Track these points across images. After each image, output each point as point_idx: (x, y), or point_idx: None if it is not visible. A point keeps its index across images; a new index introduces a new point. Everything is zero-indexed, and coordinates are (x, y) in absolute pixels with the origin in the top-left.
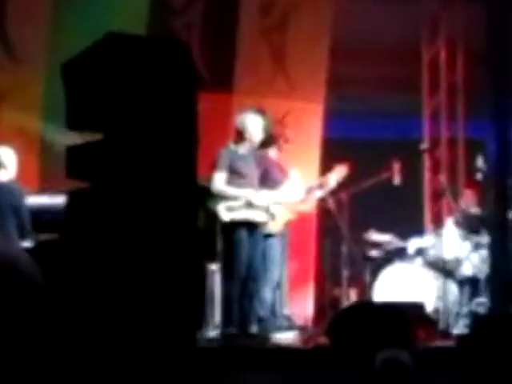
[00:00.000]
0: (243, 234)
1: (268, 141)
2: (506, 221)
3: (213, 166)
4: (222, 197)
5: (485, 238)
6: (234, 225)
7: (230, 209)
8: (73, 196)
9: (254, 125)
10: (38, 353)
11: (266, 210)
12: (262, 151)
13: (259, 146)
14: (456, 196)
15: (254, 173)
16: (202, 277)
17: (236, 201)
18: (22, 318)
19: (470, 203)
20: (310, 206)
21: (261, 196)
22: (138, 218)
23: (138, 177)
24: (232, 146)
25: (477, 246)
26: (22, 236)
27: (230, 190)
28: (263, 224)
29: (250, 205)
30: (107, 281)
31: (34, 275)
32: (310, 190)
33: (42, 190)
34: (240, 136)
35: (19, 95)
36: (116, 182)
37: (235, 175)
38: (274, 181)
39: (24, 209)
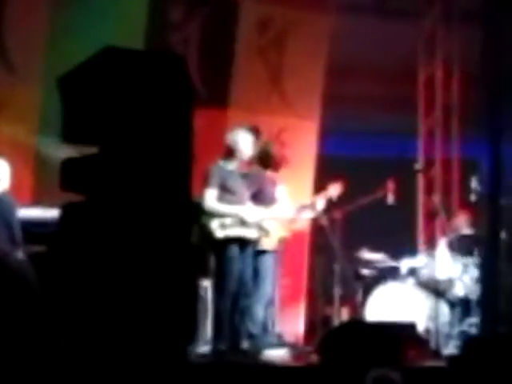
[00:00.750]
0: (235, 250)
1: (270, 163)
2: (498, 242)
3: (203, 183)
4: (214, 214)
5: (477, 259)
6: (227, 241)
7: (222, 226)
8: (66, 209)
9: (244, 142)
10: (28, 347)
11: (259, 226)
12: (257, 169)
13: (260, 166)
14: (449, 217)
15: (243, 189)
16: (195, 292)
17: (228, 218)
18: (15, 314)
19: (463, 224)
20: (302, 223)
21: (251, 213)
22: (131, 233)
23: (132, 191)
24: (221, 162)
25: (469, 267)
26: (13, 248)
27: (222, 207)
28: (255, 241)
29: (242, 222)
30: (99, 293)
31: (26, 272)
32: (300, 209)
33: (36, 203)
34: (230, 153)
35: (15, 108)
36: (110, 196)
37: (226, 192)
38: (270, 198)
39: (15, 221)
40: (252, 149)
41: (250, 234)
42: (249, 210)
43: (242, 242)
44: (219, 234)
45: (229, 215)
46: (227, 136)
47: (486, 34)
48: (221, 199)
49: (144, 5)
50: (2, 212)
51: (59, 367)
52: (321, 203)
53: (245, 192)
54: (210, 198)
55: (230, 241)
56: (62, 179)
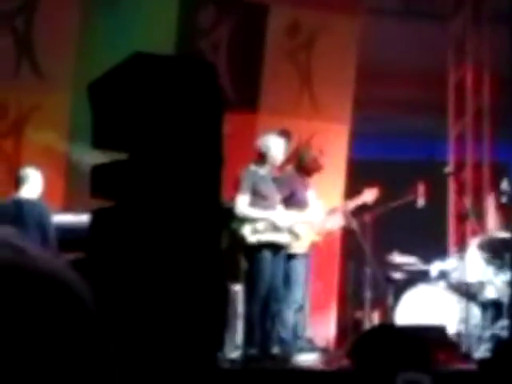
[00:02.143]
0: (267, 255)
1: (305, 169)
2: None
3: (235, 188)
4: (246, 219)
5: (509, 262)
6: (259, 246)
7: (255, 231)
8: (96, 214)
9: (276, 147)
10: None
11: (290, 230)
12: (290, 173)
13: (295, 170)
14: (481, 219)
15: (275, 194)
16: (225, 297)
17: (260, 223)
18: (72, 337)
19: (494, 226)
20: (333, 227)
21: (283, 217)
22: (161, 238)
23: (162, 197)
24: (253, 167)
25: (500, 270)
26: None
27: (254, 213)
28: (287, 245)
29: (274, 227)
30: (131, 299)
31: (83, 292)
32: (331, 212)
33: (68, 209)
34: (261, 157)
35: (45, 115)
36: (140, 202)
37: (258, 197)
38: (302, 202)
39: (49, 226)
40: (284, 153)
41: (282, 238)
42: (281, 215)
43: (274, 247)
44: (252, 238)
45: (261, 220)
46: (259, 141)
47: None
48: (253, 204)
49: (173, 10)
50: (36, 217)
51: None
52: (351, 205)
53: (276, 196)
54: (242, 204)
55: (262, 246)
56: (92, 185)
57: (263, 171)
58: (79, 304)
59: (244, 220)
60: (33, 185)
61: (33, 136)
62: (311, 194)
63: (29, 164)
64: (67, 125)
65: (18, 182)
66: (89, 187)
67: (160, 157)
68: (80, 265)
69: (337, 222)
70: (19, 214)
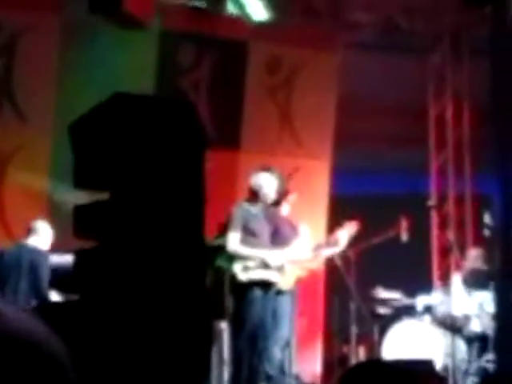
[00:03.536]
0: (258, 293)
1: (278, 199)
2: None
3: (221, 225)
4: (237, 256)
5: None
6: (250, 284)
7: (245, 268)
8: (80, 255)
9: (268, 185)
10: None
11: (278, 268)
12: (272, 208)
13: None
14: (464, 252)
15: (266, 232)
16: (210, 335)
17: (251, 260)
18: None
19: (477, 260)
20: (318, 263)
21: (274, 256)
22: (145, 278)
23: (145, 236)
24: (245, 204)
25: (485, 303)
26: (37, 296)
27: (245, 251)
28: (276, 283)
29: (264, 264)
30: (114, 337)
31: (60, 356)
32: (318, 248)
33: (52, 249)
34: (254, 195)
35: (26, 155)
36: (123, 242)
37: (249, 235)
38: (285, 238)
39: (43, 269)
40: (276, 191)
41: (272, 276)
42: (272, 253)
43: (265, 285)
44: (242, 276)
45: (253, 258)
46: (251, 178)
47: (494, 70)
48: (244, 242)
49: (153, 46)
50: (31, 261)
51: None
52: (344, 238)
53: (267, 234)
54: (234, 241)
55: (253, 284)
56: (74, 225)
57: (255, 209)
58: (52, 364)
59: (235, 258)
60: (43, 237)
61: (15, 176)
62: (304, 230)
63: (13, 205)
64: (49, 165)
65: (28, 232)
66: (71, 227)
67: (142, 196)
68: (65, 307)
69: (320, 260)
70: (18, 257)
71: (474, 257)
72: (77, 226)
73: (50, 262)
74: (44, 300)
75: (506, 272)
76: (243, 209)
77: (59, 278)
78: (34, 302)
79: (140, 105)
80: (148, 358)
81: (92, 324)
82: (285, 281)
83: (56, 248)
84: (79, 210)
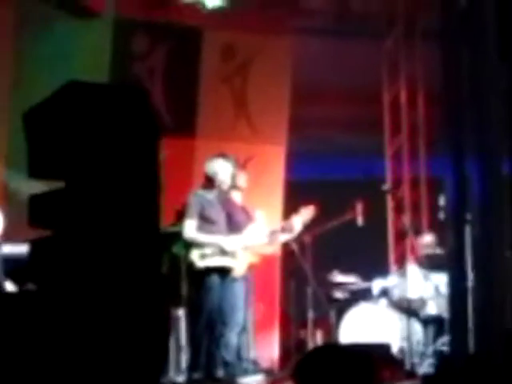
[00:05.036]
0: (215, 280)
1: (233, 184)
2: (464, 258)
3: (178, 212)
4: (194, 243)
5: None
6: (207, 271)
7: (203, 256)
8: (35, 244)
9: (224, 171)
10: None
11: (232, 254)
12: (226, 195)
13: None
14: (419, 236)
15: (222, 218)
16: (166, 322)
17: (208, 247)
18: None
19: (432, 243)
20: (274, 248)
21: (231, 242)
22: (100, 266)
23: (100, 225)
24: (200, 191)
25: (441, 286)
26: None
27: (202, 237)
28: (232, 269)
29: (222, 251)
30: (68, 327)
31: None
32: (273, 234)
33: (5, 239)
34: (209, 182)
35: None
36: (78, 230)
37: (205, 221)
38: (239, 224)
39: None
40: (231, 177)
41: (229, 262)
42: (229, 239)
43: (222, 272)
44: (200, 263)
45: (209, 245)
46: (206, 165)
47: (445, 53)
48: (201, 229)
49: (107, 36)
50: None
51: None
52: (298, 224)
53: (223, 220)
54: (190, 228)
55: (210, 271)
56: (29, 215)
57: (211, 196)
58: None
59: (192, 245)
60: None
61: None
62: (260, 215)
63: None
64: (4, 154)
65: None
66: (27, 217)
67: (97, 185)
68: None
69: (277, 245)
70: None
71: (426, 243)
72: (31, 215)
73: (3, 251)
74: None
75: (458, 254)
76: (199, 196)
77: (13, 267)
78: None
79: (93, 93)
80: (105, 346)
81: (48, 313)
82: (237, 267)
83: (12, 237)
84: (34, 199)
